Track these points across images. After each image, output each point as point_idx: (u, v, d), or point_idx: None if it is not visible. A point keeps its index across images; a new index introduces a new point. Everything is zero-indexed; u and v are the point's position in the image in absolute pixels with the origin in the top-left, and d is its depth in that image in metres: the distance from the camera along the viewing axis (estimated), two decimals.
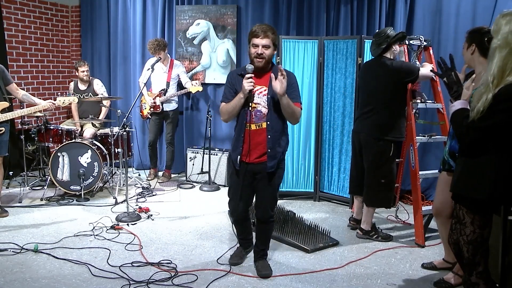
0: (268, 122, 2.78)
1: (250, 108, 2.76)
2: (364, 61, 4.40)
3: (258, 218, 3.02)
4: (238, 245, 3.33)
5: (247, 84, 2.66)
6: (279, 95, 2.65)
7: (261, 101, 2.78)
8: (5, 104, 4.05)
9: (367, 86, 3.68)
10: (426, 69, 3.59)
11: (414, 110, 3.70)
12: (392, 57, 3.60)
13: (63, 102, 4.32)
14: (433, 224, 3.97)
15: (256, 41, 2.71)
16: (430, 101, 3.91)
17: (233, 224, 3.23)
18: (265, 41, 2.69)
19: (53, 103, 4.23)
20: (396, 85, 3.52)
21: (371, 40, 4.44)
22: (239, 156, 2.84)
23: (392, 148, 3.57)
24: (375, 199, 3.67)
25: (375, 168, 3.60)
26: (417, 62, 3.88)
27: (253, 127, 2.79)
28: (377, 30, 3.77)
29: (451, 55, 2.37)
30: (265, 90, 2.78)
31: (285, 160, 2.97)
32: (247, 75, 2.67)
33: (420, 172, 3.70)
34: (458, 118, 2.14)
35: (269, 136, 2.79)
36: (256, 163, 2.84)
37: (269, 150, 2.80)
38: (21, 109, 4.44)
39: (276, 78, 2.66)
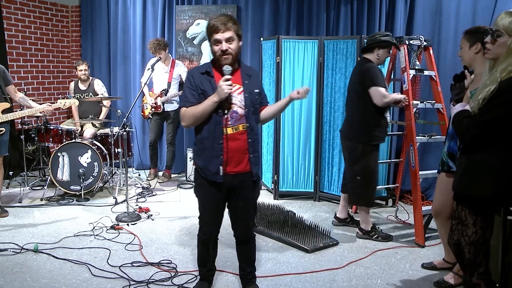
0: (248, 124, 2.46)
1: (225, 110, 2.41)
2: None
3: (240, 238, 2.69)
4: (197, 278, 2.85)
5: (227, 87, 2.32)
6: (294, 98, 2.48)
7: (236, 101, 2.44)
8: (6, 105, 4.05)
9: (348, 85, 3.79)
10: (395, 95, 3.59)
11: (414, 110, 3.71)
12: (375, 62, 3.56)
13: (64, 104, 4.32)
14: (433, 224, 3.97)
15: (218, 36, 2.36)
16: (430, 101, 3.91)
17: (201, 249, 2.70)
18: (228, 34, 2.36)
19: (49, 105, 4.22)
20: (362, 87, 3.48)
21: None
22: (221, 167, 2.42)
23: (360, 149, 3.55)
24: (354, 196, 3.78)
25: (350, 165, 3.71)
26: (417, 62, 3.88)
27: (229, 131, 2.42)
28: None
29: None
30: (239, 88, 2.46)
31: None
32: (226, 77, 2.34)
33: (420, 172, 3.70)
34: (458, 118, 2.13)
35: (249, 140, 2.46)
36: (235, 173, 2.46)
37: (251, 156, 2.47)
38: (21, 110, 4.44)
39: (248, 76, 2.51)
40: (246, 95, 2.47)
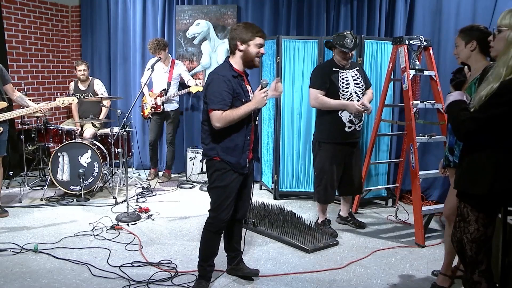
0: (257, 119, 2.80)
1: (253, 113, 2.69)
2: (364, 61, 4.43)
3: (241, 217, 2.91)
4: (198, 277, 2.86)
5: (265, 98, 2.63)
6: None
7: None
8: (4, 104, 4.04)
9: None
10: (334, 101, 3.62)
11: (414, 110, 3.70)
12: (336, 62, 3.70)
13: (63, 103, 4.32)
14: (433, 224, 3.98)
15: (262, 41, 2.63)
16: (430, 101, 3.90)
17: (212, 240, 2.77)
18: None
19: (47, 103, 4.21)
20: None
21: (371, 40, 4.48)
22: (247, 159, 2.70)
23: (316, 145, 3.76)
24: (314, 189, 3.96)
25: (313, 159, 3.90)
26: (417, 62, 3.87)
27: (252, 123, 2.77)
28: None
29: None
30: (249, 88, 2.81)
31: None
32: (264, 89, 2.63)
33: (420, 172, 3.70)
34: (454, 109, 2.13)
35: (257, 132, 2.84)
36: (250, 160, 2.76)
37: (257, 145, 2.87)
38: (20, 109, 4.44)
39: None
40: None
